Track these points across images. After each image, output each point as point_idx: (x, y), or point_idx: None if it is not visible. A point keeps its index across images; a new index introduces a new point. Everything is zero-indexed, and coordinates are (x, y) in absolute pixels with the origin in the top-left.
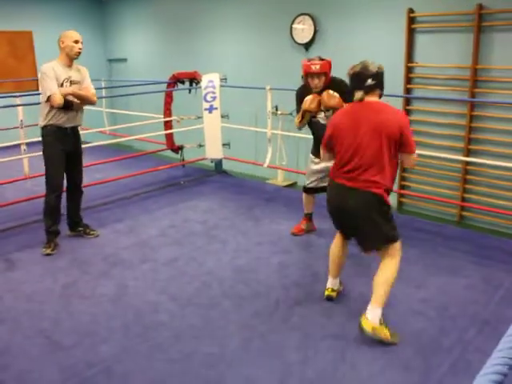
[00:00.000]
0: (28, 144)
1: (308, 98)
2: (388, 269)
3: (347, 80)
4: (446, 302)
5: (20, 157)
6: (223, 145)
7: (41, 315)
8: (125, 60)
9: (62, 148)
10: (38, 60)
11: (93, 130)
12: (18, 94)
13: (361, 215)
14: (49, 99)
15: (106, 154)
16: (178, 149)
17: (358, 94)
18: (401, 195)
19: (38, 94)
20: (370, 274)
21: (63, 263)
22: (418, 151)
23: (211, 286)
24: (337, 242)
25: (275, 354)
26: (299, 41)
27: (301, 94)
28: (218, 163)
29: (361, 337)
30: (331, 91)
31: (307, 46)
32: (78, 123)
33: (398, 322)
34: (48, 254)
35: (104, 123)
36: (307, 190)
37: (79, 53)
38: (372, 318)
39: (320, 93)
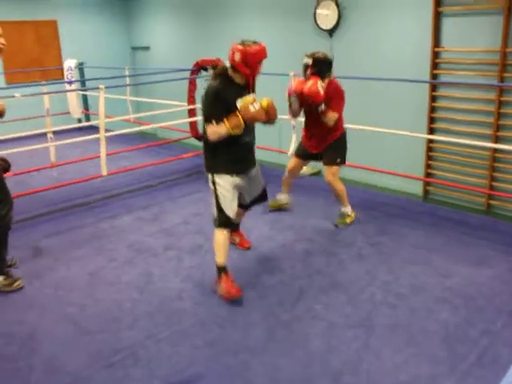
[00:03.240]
0: (54, 132)
1: (258, 108)
2: None
3: None
4: (472, 292)
5: (46, 145)
6: None
7: (68, 301)
8: (147, 48)
9: None
10: (63, 48)
11: (117, 118)
12: (44, 82)
13: None
14: None
15: (130, 142)
16: (201, 136)
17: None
18: (427, 183)
19: (63, 83)
20: (393, 266)
21: (89, 251)
22: (444, 138)
23: (235, 274)
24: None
25: (299, 343)
26: (323, 27)
27: (224, 94)
28: None
29: (386, 326)
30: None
31: (331, 31)
32: None
33: (424, 310)
34: (21, 287)
35: (128, 111)
36: (232, 224)
37: (3, 49)
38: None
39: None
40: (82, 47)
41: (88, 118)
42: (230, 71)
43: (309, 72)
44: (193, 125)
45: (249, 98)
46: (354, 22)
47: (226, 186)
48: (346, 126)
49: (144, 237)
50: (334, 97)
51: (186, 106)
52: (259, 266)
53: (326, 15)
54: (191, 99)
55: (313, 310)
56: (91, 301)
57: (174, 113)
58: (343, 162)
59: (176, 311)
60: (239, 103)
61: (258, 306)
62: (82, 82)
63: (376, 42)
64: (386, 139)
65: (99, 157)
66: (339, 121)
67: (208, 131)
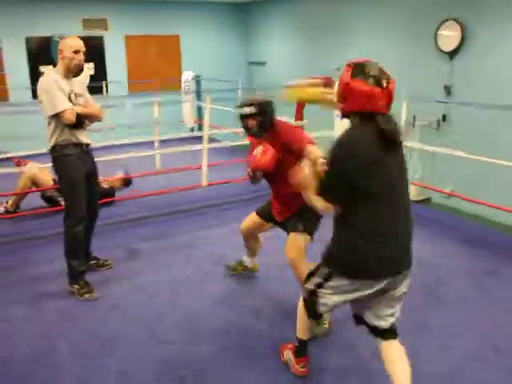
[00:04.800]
0: (164, 140)
1: None
2: None
3: None
4: None
5: (153, 152)
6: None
7: (149, 307)
8: (264, 63)
9: (83, 167)
10: (183, 61)
11: (226, 130)
12: (155, 93)
13: None
14: (58, 115)
15: (235, 154)
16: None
17: None
18: None
19: (174, 95)
20: (497, 314)
21: (180, 258)
22: None
23: None
24: None
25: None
26: (444, 48)
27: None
28: None
29: (476, 383)
30: None
31: (452, 54)
32: (89, 141)
33: None
34: (96, 298)
35: (236, 123)
36: None
37: (79, 65)
38: None
39: None
40: (200, 60)
41: (201, 128)
42: None
43: (251, 124)
44: None
45: None
46: (480, 43)
47: None
48: (462, 155)
49: (235, 250)
50: (297, 136)
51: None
52: None
53: (449, 36)
54: (298, 115)
55: (376, 350)
56: (171, 309)
57: None
58: (310, 232)
59: (250, 330)
60: None
61: (337, 339)
62: (198, 93)
63: (502, 68)
64: (507, 172)
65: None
66: None
67: None
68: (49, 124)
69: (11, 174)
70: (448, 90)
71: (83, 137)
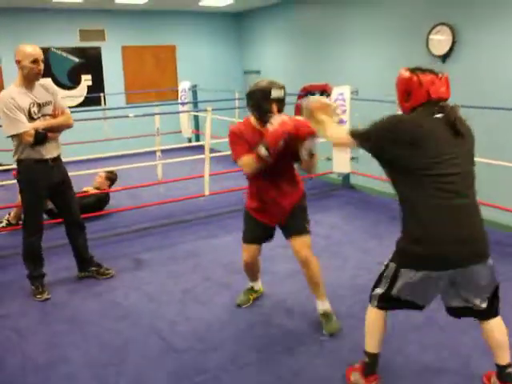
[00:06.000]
0: (164, 150)
1: None
2: None
3: None
4: None
5: (154, 163)
6: (352, 159)
7: (159, 316)
8: (258, 72)
9: (45, 184)
10: (179, 72)
11: (224, 140)
12: (156, 103)
13: None
14: (17, 136)
15: (234, 164)
16: None
17: None
18: None
19: (176, 104)
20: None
21: (186, 268)
22: None
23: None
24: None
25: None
26: (436, 52)
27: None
28: (346, 177)
29: None
30: None
31: (444, 57)
32: (59, 152)
33: None
34: (46, 299)
35: None
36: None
37: (39, 74)
38: None
39: None
40: (197, 71)
41: (198, 138)
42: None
43: (276, 109)
44: None
45: None
46: (471, 46)
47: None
48: None
49: (240, 258)
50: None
51: None
52: (354, 296)
53: (440, 40)
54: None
55: (405, 351)
56: (181, 318)
57: None
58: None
59: (263, 337)
60: None
61: (347, 339)
62: (195, 103)
63: (493, 71)
64: (503, 171)
65: (203, 176)
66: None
67: None
68: (12, 139)
69: (13, 186)
70: None
71: (48, 151)
